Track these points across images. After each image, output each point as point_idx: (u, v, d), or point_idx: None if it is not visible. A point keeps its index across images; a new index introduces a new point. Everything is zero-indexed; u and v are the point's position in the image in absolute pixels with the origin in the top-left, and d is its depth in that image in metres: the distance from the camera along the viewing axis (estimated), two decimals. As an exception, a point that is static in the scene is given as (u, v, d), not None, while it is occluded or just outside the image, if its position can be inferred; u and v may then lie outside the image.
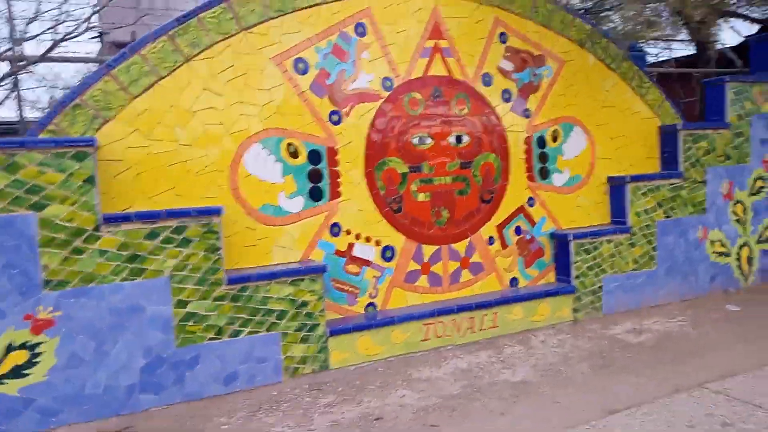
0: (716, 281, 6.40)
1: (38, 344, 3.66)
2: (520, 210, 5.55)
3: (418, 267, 5.11)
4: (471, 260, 5.33)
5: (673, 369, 4.34)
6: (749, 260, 6.63)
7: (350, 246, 4.83)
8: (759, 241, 6.68)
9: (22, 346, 3.63)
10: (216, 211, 4.07)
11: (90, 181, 3.72)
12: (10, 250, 3.57)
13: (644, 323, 5.47)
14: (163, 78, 4.14)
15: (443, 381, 4.36)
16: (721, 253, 6.41)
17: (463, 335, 5.04)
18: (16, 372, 3.63)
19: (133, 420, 3.89)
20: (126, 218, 3.84)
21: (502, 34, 5.40)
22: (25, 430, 3.65)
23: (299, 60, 4.58)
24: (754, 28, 7.85)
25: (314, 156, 4.67)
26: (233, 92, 4.37)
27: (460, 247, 5.28)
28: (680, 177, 6.08)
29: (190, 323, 4.04)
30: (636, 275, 5.86)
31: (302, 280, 4.36)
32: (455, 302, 5.06)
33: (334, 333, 4.50)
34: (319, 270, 4.41)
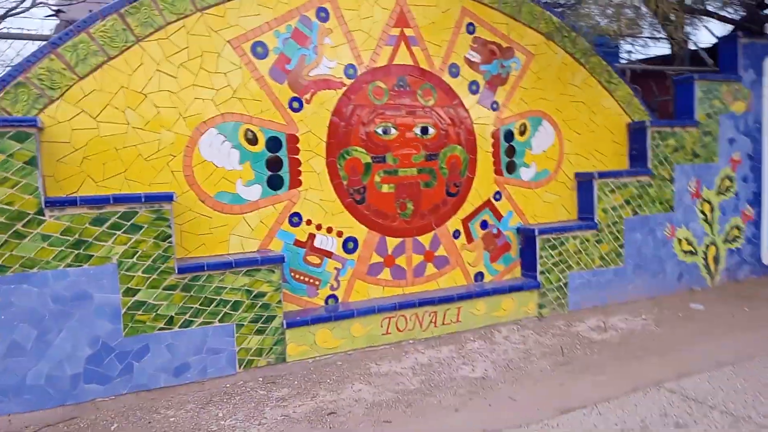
0: (683, 279, 6.40)
1: (-26, 332, 3.49)
2: (487, 204, 5.48)
3: (381, 259, 5.01)
4: (436, 254, 5.25)
5: (633, 367, 4.30)
6: (716, 259, 6.64)
7: (311, 236, 4.72)
8: (726, 241, 6.70)
9: (-43, 335, 3.46)
10: (167, 198, 3.93)
11: (32, 162, 3.56)
12: (-56, 233, 3.40)
13: (609, 320, 5.43)
14: (113, 58, 3.98)
15: (402, 376, 4.27)
16: (688, 252, 6.41)
17: (426, 329, 4.95)
18: (-50, 361, 3.46)
19: (78, 410, 3.75)
20: (71, 202, 3.68)
21: (469, 24, 5.33)
22: (-41, 422, 3.48)
23: (258, 44, 4.45)
24: (729, 29, 7.88)
25: (274, 143, 4.54)
26: (188, 75, 4.23)
27: (425, 240, 5.20)
28: (648, 174, 6.07)
29: (139, 312, 3.89)
30: (602, 272, 5.83)
31: (259, 270, 4.23)
32: (417, 296, 4.96)
33: (291, 325, 4.38)
34: (277, 260, 4.28)
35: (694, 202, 6.43)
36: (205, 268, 4.06)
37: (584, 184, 5.88)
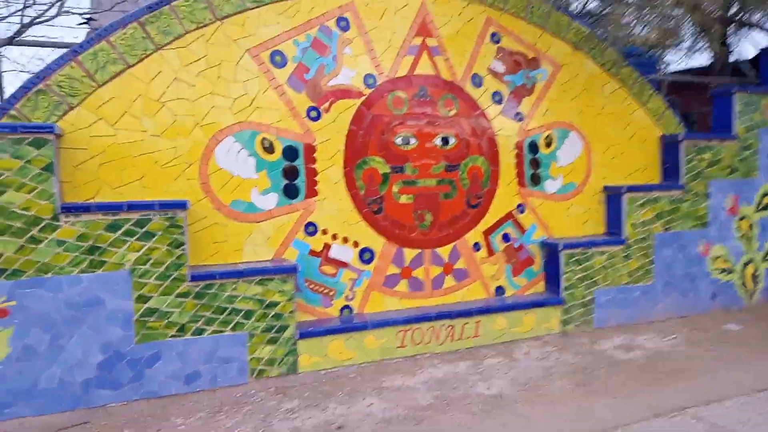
0: (717, 299, 6.10)
1: (-11, 335, 3.55)
2: (509, 216, 5.34)
3: (398, 271, 4.92)
4: (455, 266, 5.13)
5: (657, 390, 4.08)
6: (754, 278, 6.32)
7: (326, 246, 4.66)
8: (765, 259, 6.37)
9: (-27, 336, 3.52)
10: (181, 205, 3.94)
11: (48, 168, 3.61)
12: (-37, 237, 3.46)
13: (636, 340, 5.20)
14: (132, 66, 4.03)
15: (415, 391, 4.15)
16: (723, 270, 6.12)
17: (442, 343, 4.82)
18: (-34, 362, 3.51)
19: (89, 415, 3.76)
20: (86, 208, 3.72)
21: (494, 34, 5.23)
22: (-27, 423, 3.53)
23: (276, 52, 4.45)
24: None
25: (290, 152, 4.52)
26: (206, 83, 4.25)
27: (444, 252, 5.08)
28: (681, 189, 5.82)
29: (152, 319, 3.89)
30: (630, 289, 5.60)
31: (271, 279, 4.19)
32: (434, 309, 4.85)
33: (304, 335, 4.32)
34: (290, 270, 4.24)
35: (731, 219, 6.13)
36: (218, 277, 4.04)
37: (613, 197, 5.68)
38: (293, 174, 4.53)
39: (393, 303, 4.91)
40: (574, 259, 5.31)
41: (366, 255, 4.79)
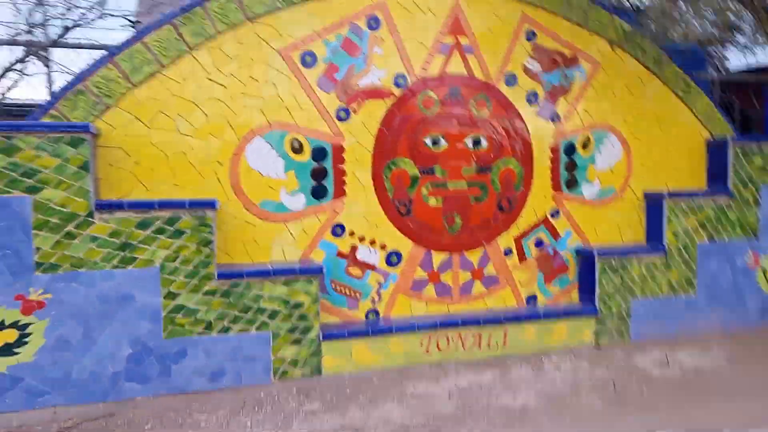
0: None
1: (28, 325, 3.70)
2: (543, 221, 5.19)
3: (426, 275, 4.87)
4: (485, 272, 5.03)
5: (692, 410, 3.88)
6: (809, 292, 5.94)
7: (353, 248, 4.65)
8: (821, 272, 5.98)
9: (13, 326, 3.68)
10: (210, 204, 4.00)
11: (85, 167, 3.73)
12: (4, 231, 3.62)
13: (674, 355, 4.97)
14: (166, 67, 4.12)
15: (437, 399, 4.10)
16: (774, 283, 5.78)
17: (469, 351, 4.74)
18: (6, 350, 3.67)
19: (117, 408, 3.87)
20: (119, 206, 3.82)
21: (529, 31, 5.08)
22: (11, 407, 3.68)
23: (307, 53, 4.45)
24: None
25: (319, 153, 4.52)
26: (237, 84, 4.29)
27: (473, 256, 4.99)
28: (728, 195, 5.53)
29: (179, 316, 3.98)
30: (671, 301, 5.36)
31: (297, 280, 4.21)
32: (460, 315, 4.77)
33: (328, 337, 4.33)
34: (316, 271, 4.25)
35: (784, 228, 5.78)
36: (244, 276, 4.09)
37: (653, 204, 5.45)
38: (321, 175, 4.54)
39: (420, 307, 4.86)
40: (610, 267, 5.12)
41: (393, 258, 4.76)
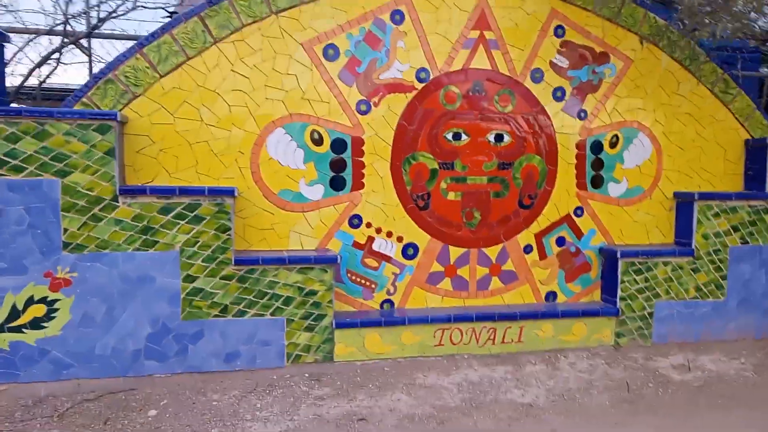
0: (804, 322, 5.51)
1: (55, 301, 3.91)
2: (566, 219, 5.11)
3: (443, 268, 4.87)
4: (503, 267, 5.00)
5: (709, 417, 3.78)
6: None
7: (370, 239, 4.70)
8: None
9: (41, 301, 3.89)
10: (229, 192, 4.12)
11: (110, 153, 3.91)
12: (36, 212, 3.83)
13: (698, 359, 4.83)
14: (192, 58, 4.25)
15: (446, 391, 4.12)
16: (813, 290, 5.51)
17: (483, 346, 4.73)
18: (35, 324, 3.90)
19: (137, 383, 4.04)
20: (142, 191, 3.98)
21: (558, 27, 5.00)
22: (39, 378, 3.91)
23: (330, 46, 4.51)
24: None
25: (339, 145, 4.59)
26: (260, 75, 4.40)
27: (492, 252, 4.96)
28: (765, 198, 5.30)
29: (197, 298, 4.12)
30: (698, 304, 5.19)
31: (312, 269, 4.30)
32: (475, 310, 4.76)
33: (340, 326, 4.40)
34: (331, 260, 4.32)
35: (826, 234, 5.50)
36: (260, 262, 4.20)
37: (683, 205, 5.28)
38: (341, 166, 4.60)
39: (435, 300, 4.87)
40: (634, 268, 5.00)
41: (410, 250, 4.78)
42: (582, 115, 5.11)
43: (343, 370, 4.37)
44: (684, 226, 5.27)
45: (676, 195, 5.33)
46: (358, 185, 4.65)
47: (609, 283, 5.11)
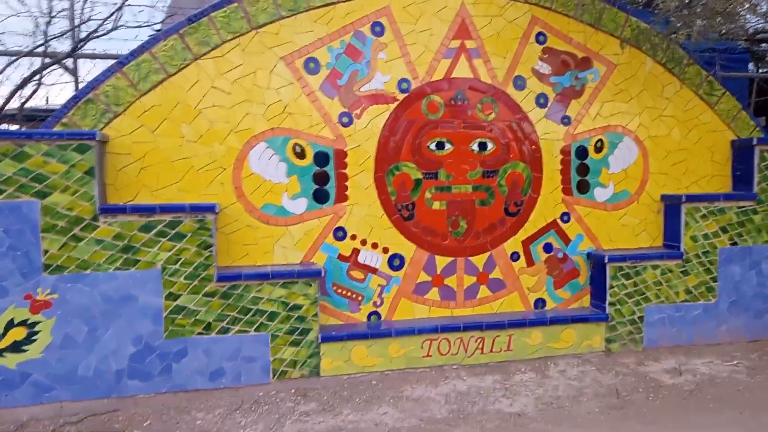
0: (798, 323, 5.47)
1: (36, 323, 3.88)
2: (552, 225, 5.09)
3: (430, 279, 4.84)
4: (490, 276, 4.97)
5: (699, 421, 3.74)
6: None
7: (355, 251, 4.68)
8: None
9: (22, 324, 3.87)
10: (210, 208, 4.10)
11: (90, 172, 3.90)
12: (15, 234, 3.82)
13: (689, 363, 4.79)
14: (172, 76, 4.25)
15: (433, 402, 4.08)
16: (805, 290, 5.47)
17: (471, 356, 4.69)
18: (16, 347, 3.86)
19: (120, 404, 4.01)
20: (122, 210, 3.97)
21: (539, 34, 5.00)
22: (21, 402, 3.87)
23: (310, 59, 4.52)
24: None
25: (321, 157, 4.57)
26: (241, 91, 4.40)
27: (479, 260, 4.94)
28: (753, 199, 5.28)
29: (180, 316, 4.09)
30: (688, 307, 5.15)
31: (296, 283, 4.27)
32: (462, 320, 4.73)
33: (326, 339, 4.37)
34: (314, 274, 4.30)
35: (816, 234, 5.47)
36: (243, 278, 4.17)
37: (671, 207, 5.26)
38: (324, 179, 4.59)
39: (423, 311, 4.84)
40: (622, 272, 4.97)
41: (396, 261, 4.76)
42: (566, 121, 5.10)
43: (330, 385, 4.33)
44: (672, 228, 5.25)
45: (663, 198, 5.31)
46: (342, 197, 4.63)
47: (598, 288, 5.08)
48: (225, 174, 4.40)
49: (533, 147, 5.02)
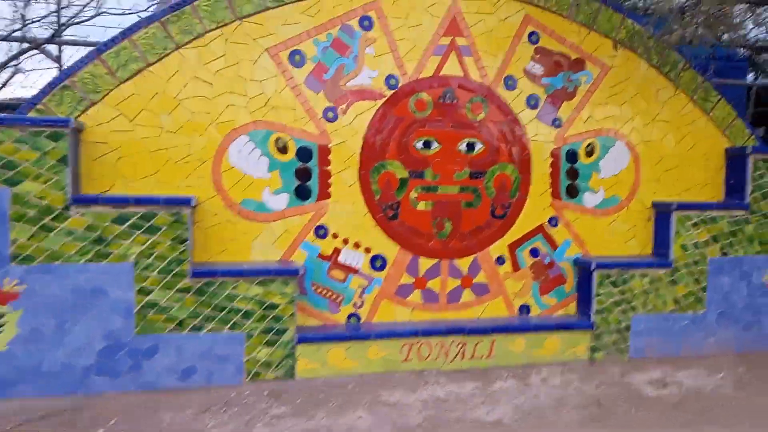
0: (787, 336, 5.38)
1: (2, 315, 3.76)
2: (539, 230, 4.98)
3: (412, 281, 4.73)
4: (474, 280, 4.86)
5: (681, 433, 3.64)
6: (836, 315, 5.50)
7: (336, 251, 4.57)
8: None
9: (-12, 315, 3.75)
10: (185, 202, 3.99)
11: (63, 161, 3.77)
12: (-17, 222, 3.69)
13: (675, 374, 4.68)
14: (152, 64, 4.13)
15: (409, 408, 3.97)
16: (796, 303, 5.38)
17: (452, 361, 4.58)
18: (-20, 339, 3.74)
19: (86, 401, 3.88)
20: (95, 200, 3.85)
21: (532, 33, 4.89)
22: (-18, 397, 3.75)
23: (296, 52, 4.40)
24: None
25: (304, 153, 4.46)
26: (223, 82, 4.28)
27: (463, 264, 4.83)
28: (745, 209, 5.18)
29: (152, 312, 3.97)
30: (676, 318, 5.05)
31: (273, 281, 4.16)
32: (444, 323, 4.62)
33: (303, 340, 4.26)
34: (292, 273, 4.18)
35: (809, 246, 5.38)
36: (219, 275, 4.06)
37: (662, 215, 5.15)
38: (306, 175, 4.47)
39: (404, 314, 4.73)
40: (610, 280, 4.87)
41: (378, 262, 4.65)
42: (557, 123, 4.99)
43: (305, 387, 4.22)
44: (662, 236, 5.15)
45: (654, 205, 5.20)
46: (325, 195, 4.52)
47: (584, 295, 4.97)
48: (204, 167, 4.28)
49: (522, 149, 4.92)
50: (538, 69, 4.94)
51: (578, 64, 5.04)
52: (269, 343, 4.19)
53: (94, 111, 4.07)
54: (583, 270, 4.95)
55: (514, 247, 4.93)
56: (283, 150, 4.42)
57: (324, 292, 4.56)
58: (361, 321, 4.64)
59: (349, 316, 4.62)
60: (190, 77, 4.23)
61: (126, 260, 3.91)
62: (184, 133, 4.24)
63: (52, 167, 3.77)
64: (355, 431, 3.62)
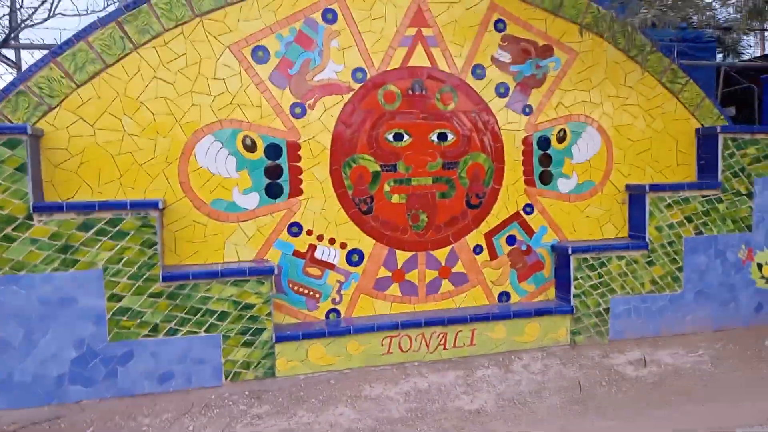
0: (763, 311, 5.44)
1: (-32, 329, 3.65)
2: (515, 217, 4.98)
3: (390, 274, 4.70)
4: (453, 270, 4.84)
5: (660, 413, 3.66)
6: (809, 288, 5.59)
7: (311, 247, 4.51)
8: (824, 267, 5.62)
9: (-47, 330, 3.63)
10: (153, 205, 3.91)
11: (22, 168, 3.67)
12: (-58, 234, 3.58)
13: (655, 354, 4.71)
14: (110, 66, 4.04)
15: (392, 401, 3.94)
16: (770, 278, 5.45)
17: (434, 352, 4.56)
18: (-54, 355, 3.63)
19: (62, 411, 3.79)
20: (58, 208, 3.76)
21: (498, 21, 4.87)
22: (-48, 414, 3.65)
23: (259, 48, 4.33)
24: None
25: (273, 150, 4.40)
26: (185, 81, 4.20)
27: (440, 254, 4.80)
28: (717, 188, 5.22)
29: (124, 318, 3.89)
30: (654, 298, 5.08)
31: (247, 281, 4.10)
32: (423, 315, 4.59)
33: (281, 339, 4.20)
34: (267, 271, 4.12)
35: (781, 221, 5.44)
36: (191, 277, 3.99)
37: (635, 197, 5.18)
38: (276, 173, 4.41)
39: (384, 307, 4.69)
40: (587, 264, 4.88)
41: (354, 257, 4.61)
42: (527, 110, 4.99)
43: (286, 386, 4.17)
44: (637, 219, 5.17)
45: (627, 187, 5.23)
46: (296, 192, 4.46)
47: (562, 280, 4.98)
48: (170, 168, 4.20)
49: (494, 137, 4.90)
50: (506, 57, 4.93)
51: (546, 51, 5.04)
52: (247, 344, 4.13)
53: (52, 116, 3.97)
54: (561, 255, 4.96)
55: (490, 235, 4.92)
56: (251, 148, 4.36)
57: (301, 289, 4.51)
58: (341, 316, 4.59)
59: (328, 313, 4.57)
60: (151, 78, 4.15)
61: (94, 267, 3.82)
62: (148, 135, 4.15)
63: (10, 176, 3.67)
64: (336, 428, 3.58)
